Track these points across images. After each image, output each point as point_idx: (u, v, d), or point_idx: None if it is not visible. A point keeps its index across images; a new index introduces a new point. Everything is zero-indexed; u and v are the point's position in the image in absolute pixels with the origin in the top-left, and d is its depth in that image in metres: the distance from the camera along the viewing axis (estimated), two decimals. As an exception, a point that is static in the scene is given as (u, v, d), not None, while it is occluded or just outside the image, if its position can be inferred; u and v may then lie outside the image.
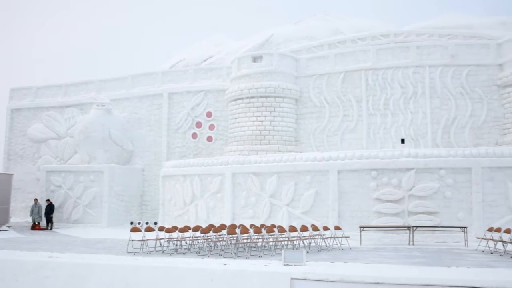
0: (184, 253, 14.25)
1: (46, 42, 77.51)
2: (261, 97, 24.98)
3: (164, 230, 15.43)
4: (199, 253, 14.24)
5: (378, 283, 9.43)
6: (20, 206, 30.37)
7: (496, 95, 23.08)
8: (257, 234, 14.87)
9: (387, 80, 24.09)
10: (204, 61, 33.90)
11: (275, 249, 14.40)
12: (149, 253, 14.31)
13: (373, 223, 17.70)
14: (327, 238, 15.92)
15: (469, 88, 23.25)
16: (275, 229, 15.12)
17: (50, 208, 25.28)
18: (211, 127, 27.63)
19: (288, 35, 32.14)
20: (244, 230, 14.68)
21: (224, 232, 14.90)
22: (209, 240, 14.98)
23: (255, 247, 14.69)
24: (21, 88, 33.15)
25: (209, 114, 27.75)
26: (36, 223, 25.27)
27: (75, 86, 31.74)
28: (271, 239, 14.86)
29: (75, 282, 11.50)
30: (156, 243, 15.25)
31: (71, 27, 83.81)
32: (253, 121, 24.90)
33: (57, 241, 18.42)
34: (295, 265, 10.78)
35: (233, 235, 14.56)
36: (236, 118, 25.55)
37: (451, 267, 11.01)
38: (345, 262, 11.89)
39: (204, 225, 16.98)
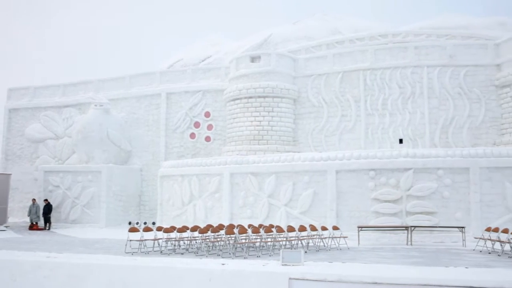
0: (182, 253, 14.24)
1: (46, 42, 77.46)
2: (259, 97, 24.98)
3: (162, 230, 15.42)
4: (197, 253, 14.23)
5: (376, 283, 9.43)
6: (18, 206, 30.29)
7: (494, 95, 23.13)
8: (255, 234, 14.88)
9: (385, 80, 24.11)
10: (202, 61, 33.90)
11: (273, 249, 14.40)
12: (147, 253, 14.31)
13: (371, 223, 17.71)
14: (325, 238, 15.93)
15: (467, 88, 23.29)
16: (273, 229, 15.13)
17: (48, 208, 25.26)
18: (209, 127, 27.60)
19: (286, 35, 32.17)
20: (242, 230, 14.67)
21: (222, 232, 14.91)
22: (207, 240, 14.97)
23: (253, 247, 14.70)
24: (19, 88, 33.03)
25: (207, 114, 27.72)
26: (34, 223, 25.27)
27: (73, 86, 31.66)
28: (269, 239, 14.88)
29: (73, 282, 11.49)
30: (154, 243, 15.23)
31: (71, 27, 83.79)
32: (251, 121, 24.89)
33: (55, 241, 18.41)
34: (293, 265, 10.78)
35: (231, 235, 14.54)
36: (234, 118, 25.54)
37: (449, 267, 11.02)
38: (343, 262, 11.89)
39: (202, 225, 16.96)
